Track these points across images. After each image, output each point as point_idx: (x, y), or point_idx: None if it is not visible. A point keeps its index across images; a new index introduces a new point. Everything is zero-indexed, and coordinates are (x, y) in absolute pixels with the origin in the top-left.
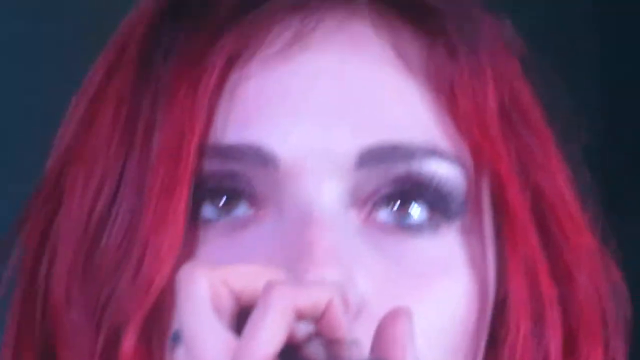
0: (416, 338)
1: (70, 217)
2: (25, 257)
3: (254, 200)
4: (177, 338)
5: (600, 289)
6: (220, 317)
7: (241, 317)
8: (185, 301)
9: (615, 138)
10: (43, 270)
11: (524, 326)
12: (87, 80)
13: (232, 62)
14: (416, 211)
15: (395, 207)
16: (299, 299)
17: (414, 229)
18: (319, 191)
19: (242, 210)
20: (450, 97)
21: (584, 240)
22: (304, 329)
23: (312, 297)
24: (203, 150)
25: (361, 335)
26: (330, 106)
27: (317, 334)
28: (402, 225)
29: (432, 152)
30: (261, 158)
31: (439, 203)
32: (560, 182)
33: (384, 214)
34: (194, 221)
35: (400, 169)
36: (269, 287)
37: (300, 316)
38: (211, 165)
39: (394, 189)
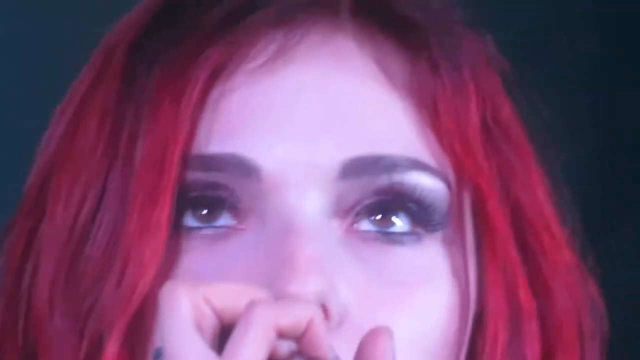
0: (397, 348)
1: (53, 226)
2: (9, 265)
3: (236, 211)
4: (159, 355)
5: (578, 303)
6: (202, 335)
7: (223, 335)
8: (167, 318)
9: (616, 139)
10: (27, 278)
11: (501, 338)
12: (71, 90)
13: (216, 75)
14: (398, 222)
15: (378, 218)
16: (280, 318)
17: (396, 240)
18: (301, 202)
19: (224, 220)
20: (432, 112)
21: (562, 255)
22: (285, 347)
23: (293, 316)
24: (186, 160)
25: (343, 344)
26: (313, 119)
27: (299, 352)
28: (384, 235)
29: (415, 164)
30: (244, 168)
31: (421, 214)
32: (540, 197)
33: (366, 225)
34: (177, 230)
35: (382, 180)
36: (250, 305)
37: (281, 335)
38: (194, 176)
39: (377, 200)
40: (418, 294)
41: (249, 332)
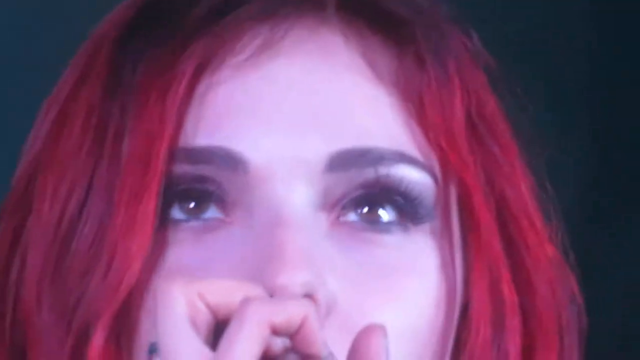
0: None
1: (40, 221)
2: None
3: (224, 204)
4: (153, 350)
5: (559, 298)
6: (197, 331)
7: (218, 331)
8: (162, 314)
9: (613, 137)
10: (14, 273)
11: (483, 331)
12: (57, 87)
13: (201, 69)
14: (385, 215)
15: (365, 211)
16: (274, 314)
17: (383, 229)
18: (288, 195)
19: (211, 213)
20: (418, 106)
21: (544, 250)
22: (279, 343)
23: (287, 313)
24: (173, 153)
25: (332, 334)
26: (300, 113)
27: (293, 349)
28: (371, 228)
29: (401, 157)
30: (231, 161)
31: (408, 207)
32: (524, 192)
33: (352, 217)
34: (164, 223)
35: (369, 173)
36: (244, 302)
37: (275, 331)
38: (181, 169)
39: (363, 193)
40: (406, 284)
41: (243, 328)
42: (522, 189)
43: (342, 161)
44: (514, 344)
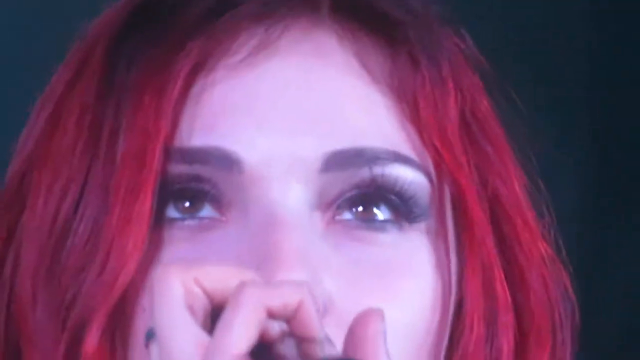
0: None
1: (35, 219)
2: None
3: (219, 203)
4: (151, 335)
5: (552, 295)
6: (194, 316)
7: (214, 316)
8: (159, 300)
9: (613, 136)
10: (8, 271)
11: (477, 328)
12: (51, 84)
13: (197, 69)
14: (380, 214)
15: (359, 210)
16: (270, 298)
17: (378, 227)
18: (284, 194)
19: (206, 212)
20: (413, 107)
21: (537, 248)
22: (276, 327)
23: (283, 297)
24: (168, 153)
25: (329, 333)
26: (295, 113)
27: (290, 333)
28: (366, 226)
29: (396, 157)
30: (226, 161)
31: (402, 207)
32: (517, 190)
33: (348, 216)
34: (159, 222)
35: (364, 173)
36: (240, 286)
37: (272, 315)
38: (177, 168)
39: (358, 192)
40: (401, 282)
41: (239, 312)
42: (515, 188)
43: (338, 161)
44: (507, 341)
